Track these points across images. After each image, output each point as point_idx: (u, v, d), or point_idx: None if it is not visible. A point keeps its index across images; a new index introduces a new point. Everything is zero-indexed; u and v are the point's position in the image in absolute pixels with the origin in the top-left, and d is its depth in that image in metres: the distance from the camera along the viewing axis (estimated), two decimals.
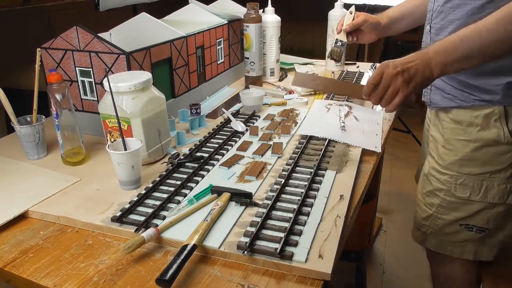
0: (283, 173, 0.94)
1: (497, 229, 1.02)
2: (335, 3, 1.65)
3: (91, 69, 1.08)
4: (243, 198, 0.83)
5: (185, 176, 0.92)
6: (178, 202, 0.84)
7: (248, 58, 1.53)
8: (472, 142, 0.96)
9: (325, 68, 1.79)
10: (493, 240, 1.04)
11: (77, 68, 1.10)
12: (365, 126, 1.18)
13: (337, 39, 1.24)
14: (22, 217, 0.83)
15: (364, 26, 1.23)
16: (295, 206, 0.80)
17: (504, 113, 0.92)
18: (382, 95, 0.87)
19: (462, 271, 1.12)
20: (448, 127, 1.01)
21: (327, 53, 1.74)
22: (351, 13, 1.25)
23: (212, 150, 1.04)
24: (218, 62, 1.51)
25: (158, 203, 0.83)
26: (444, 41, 0.84)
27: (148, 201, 0.84)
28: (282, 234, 0.72)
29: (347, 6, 1.68)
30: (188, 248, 0.68)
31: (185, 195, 0.87)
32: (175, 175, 0.94)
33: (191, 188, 0.89)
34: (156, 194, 0.87)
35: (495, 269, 1.17)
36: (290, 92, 1.49)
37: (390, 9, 1.28)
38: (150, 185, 0.88)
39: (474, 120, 0.95)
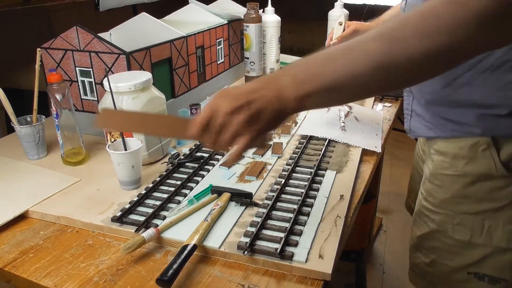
0: (283, 173, 0.94)
1: None
2: (335, 3, 1.65)
3: (91, 69, 1.08)
4: (243, 198, 0.83)
5: (185, 176, 0.92)
6: (178, 202, 0.84)
7: (248, 58, 1.53)
8: (461, 177, 0.81)
9: None
10: None
11: (77, 68, 1.10)
12: (365, 126, 1.18)
13: None
14: (22, 217, 0.83)
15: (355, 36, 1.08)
16: (295, 206, 0.80)
17: (493, 142, 0.76)
18: (215, 140, 0.61)
19: None
20: (434, 159, 0.86)
21: None
22: (340, 24, 1.18)
23: (212, 150, 1.04)
24: (218, 62, 1.51)
25: (158, 203, 0.83)
26: (309, 59, 0.59)
27: (148, 201, 0.84)
28: (282, 234, 0.72)
29: (347, 6, 1.68)
30: (188, 248, 0.68)
31: (185, 195, 0.87)
32: (175, 175, 0.94)
33: (191, 188, 0.89)
34: (156, 194, 0.86)
35: None
36: None
37: (386, 13, 1.19)
38: (150, 185, 0.88)
39: (460, 152, 0.80)
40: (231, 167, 0.97)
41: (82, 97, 1.14)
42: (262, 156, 1.02)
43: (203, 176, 0.94)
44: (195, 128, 0.61)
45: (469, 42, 0.50)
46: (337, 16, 1.65)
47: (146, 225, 0.76)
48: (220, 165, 0.98)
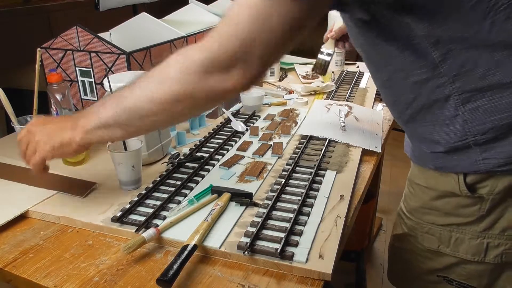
0: (283, 173, 0.94)
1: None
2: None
3: (91, 69, 1.08)
4: (244, 198, 0.83)
5: (185, 176, 0.92)
6: (179, 202, 0.84)
7: None
8: (430, 189, 0.81)
9: None
10: None
11: (77, 68, 1.10)
12: (365, 126, 1.18)
13: (322, 48, 1.10)
14: (22, 217, 0.83)
15: None
16: (296, 206, 0.80)
17: None
18: (24, 152, 0.77)
19: None
20: (412, 166, 0.88)
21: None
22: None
23: (212, 150, 1.04)
24: None
25: (158, 203, 0.83)
26: (94, 105, 0.73)
27: (148, 201, 0.84)
28: (282, 234, 0.72)
29: None
30: (189, 248, 0.68)
31: (185, 195, 0.87)
32: (175, 175, 0.94)
33: (191, 188, 0.89)
34: (156, 194, 0.86)
35: None
36: (290, 92, 1.49)
37: None
38: (151, 185, 0.88)
39: (432, 172, 0.80)
40: (231, 167, 0.97)
41: (82, 97, 1.14)
42: (262, 156, 1.02)
43: (203, 176, 0.94)
44: (18, 143, 0.79)
45: (199, 87, 0.62)
46: (337, 16, 1.65)
47: (146, 225, 0.76)
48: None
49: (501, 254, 0.78)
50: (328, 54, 1.10)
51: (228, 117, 1.23)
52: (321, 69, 1.12)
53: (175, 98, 0.64)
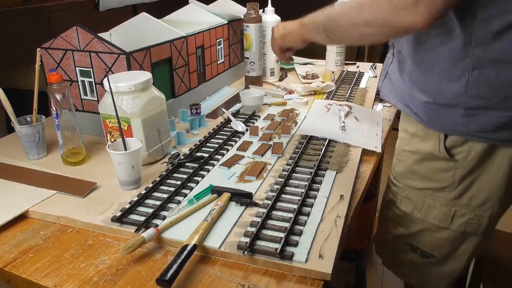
0: (283, 173, 0.94)
1: (445, 259, 0.94)
2: (335, 3, 1.65)
3: (91, 69, 1.08)
4: (243, 198, 0.83)
5: (185, 176, 0.92)
6: (178, 202, 0.84)
7: (248, 58, 1.53)
8: (414, 153, 0.91)
9: (325, 68, 1.79)
10: (441, 271, 0.95)
11: (77, 68, 1.10)
12: (365, 126, 1.18)
13: None
14: (22, 217, 0.83)
15: None
16: (295, 206, 0.80)
17: None
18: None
19: None
20: (400, 136, 0.97)
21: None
22: None
23: (212, 150, 1.04)
24: (218, 62, 1.51)
25: (158, 203, 0.83)
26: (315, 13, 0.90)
27: (148, 201, 0.84)
28: (282, 234, 0.72)
29: None
30: (189, 248, 0.68)
31: (185, 195, 0.87)
32: (175, 175, 0.94)
33: (191, 188, 0.89)
34: (156, 194, 0.86)
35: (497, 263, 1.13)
36: (290, 92, 1.49)
37: None
38: (150, 185, 0.88)
39: (417, 131, 0.89)
40: (231, 167, 0.97)
41: (82, 97, 1.14)
42: (262, 156, 1.02)
43: (203, 176, 0.94)
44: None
45: (387, 19, 0.71)
46: None
47: (146, 225, 0.76)
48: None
49: (464, 223, 0.88)
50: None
51: (228, 117, 1.23)
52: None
53: (367, 23, 0.74)
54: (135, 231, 0.75)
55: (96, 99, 1.12)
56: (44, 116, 1.05)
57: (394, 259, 1.03)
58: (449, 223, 0.89)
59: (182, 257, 0.66)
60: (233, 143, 1.10)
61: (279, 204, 0.82)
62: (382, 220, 1.05)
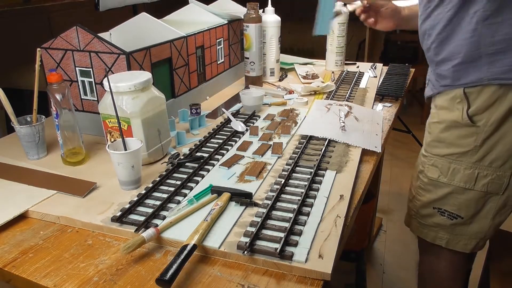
0: (283, 173, 0.94)
1: (471, 218, 1.04)
2: (335, 3, 1.65)
3: (91, 69, 1.08)
4: (243, 198, 0.83)
5: (185, 176, 0.92)
6: (178, 202, 0.84)
7: (248, 58, 1.53)
8: (440, 123, 1.03)
9: (325, 68, 1.79)
10: (469, 231, 1.05)
11: (77, 68, 1.10)
12: (365, 126, 1.18)
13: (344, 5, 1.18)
14: (22, 217, 0.83)
15: (384, 9, 1.29)
16: (295, 206, 0.80)
17: (465, 97, 0.96)
18: None
19: (447, 264, 1.14)
20: (431, 112, 1.08)
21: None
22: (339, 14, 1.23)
23: (212, 150, 1.04)
24: (218, 62, 1.51)
25: (158, 203, 0.83)
26: None
27: (148, 201, 0.84)
28: (282, 234, 0.72)
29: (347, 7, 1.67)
30: (188, 248, 0.68)
31: (185, 195, 0.87)
32: (175, 175, 0.94)
33: (191, 188, 0.89)
34: (156, 194, 0.86)
35: (504, 265, 1.19)
36: (290, 92, 1.49)
37: (414, 2, 1.31)
38: (150, 185, 0.88)
39: (444, 104, 1.01)
40: (231, 167, 0.97)
41: (82, 97, 1.14)
42: (262, 156, 1.02)
43: (203, 176, 0.94)
44: None
45: None
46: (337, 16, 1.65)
47: (146, 225, 0.76)
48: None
49: (487, 183, 0.99)
50: (339, 13, 1.17)
51: (228, 117, 1.23)
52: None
53: None
54: (135, 231, 0.75)
55: (96, 99, 1.12)
56: (44, 116, 1.05)
57: (423, 224, 1.12)
58: (473, 184, 1.00)
59: (182, 257, 0.66)
60: (233, 143, 1.10)
61: (279, 204, 0.82)
62: (411, 192, 1.15)
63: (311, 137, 1.10)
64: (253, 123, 1.24)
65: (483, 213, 1.02)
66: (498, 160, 0.96)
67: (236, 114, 1.28)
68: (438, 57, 1.00)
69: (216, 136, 1.14)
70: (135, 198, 0.84)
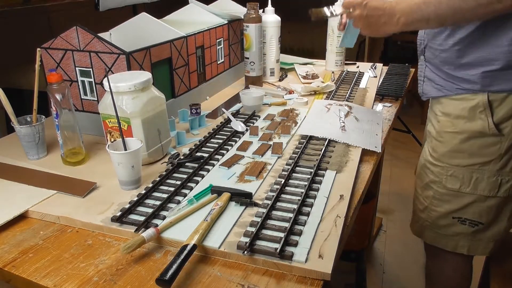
0: (283, 173, 0.94)
1: (491, 223, 1.03)
2: (335, 3, 1.65)
3: (91, 69, 1.08)
4: (243, 198, 0.83)
5: (185, 176, 0.92)
6: (178, 202, 0.84)
7: (248, 58, 1.53)
8: (459, 134, 0.99)
9: (325, 68, 1.79)
10: (487, 235, 1.05)
11: (77, 68, 1.10)
12: (365, 126, 1.18)
13: (333, 6, 1.17)
14: (22, 217, 0.83)
15: None
16: (295, 206, 0.80)
17: (489, 105, 0.94)
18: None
19: (456, 267, 1.15)
20: (440, 120, 1.04)
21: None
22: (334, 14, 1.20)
23: (212, 150, 1.04)
24: (218, 62, 1.51)
25: (158, 203, 0.83)
26: (410, 1, 0.90)
27: (148, 201, 0.84)
28: (282, 234, 0.72)
29: None
30: (188, 248, 0.68)
31: (185, 195, 0.87)
32: (175, 175, 0.94)
33: (191, 188, 0.89)
34: (156, 194, 0.86)
35: (505, 267, 1.19)
36: (290, 92, 1.49)
37: None
38: (150, 185, 0.88)
39: (461, 113, 0.98)
40: (231, 167, 0.97)
41: (82, 97, 1.14)
42: (262, 156, 1.02)
43: (203, 176, 0.94)
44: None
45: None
46: (337, 16, 1.65)
47: (146, 225, 0.76)
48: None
49: (509, 188, 0.99)
50: (332, 13, 1.14)
51: (228, 117, 1.23)
52: (316, 17, 1.16)
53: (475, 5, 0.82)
54: (135, 231, 0.75)
55: (96, 99, 1.12)
56: (44, 116, 1.05)
57: (441, 235, 1.10)
58: (496, 192, 0.99)
59: (182, 257, 0.66)
60: (233, 143, 1.10)
61: (279, 204, 0.82)
62: (421, 202, 1.12)
63: (311, 137, 1.10)
64: (253, 123, 1.24)
65: (502, 216, 1.02)
66: None
67: (236, 114, 1.28)
68: (461, 60, 0.95)
69: (216, 136, 1.14)
70: (135, 198, 0.84)
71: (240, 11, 1.67)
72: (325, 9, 1.15)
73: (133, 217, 0.79)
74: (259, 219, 0.76)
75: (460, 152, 1.00)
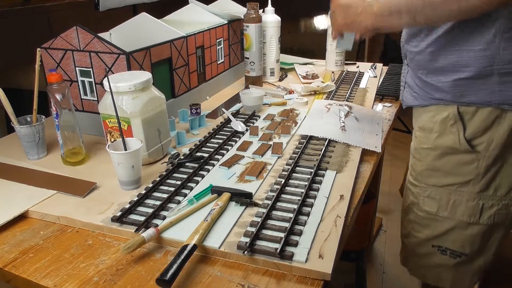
0: (283, 173, 0.94)
1: (476, 254, 0.92)
2: None
3: (91, 69, 1.08)
4: (243, 198, 0.83)
5: (185, 176, 0.92)
6: (178, 202, 0.84)
7: (248, 58, 1.53)
8: (433, 150, 0.90)
9: (325, 68, 1.79)
10: (473, 267, 0.94)
11: (77, 68, 1.10)
12: (365, 126, 1.18)
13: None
14: (22, 217, 0.83)
15: None
16: (295, 206, 0.80)
17: (460, 118, 0.85)
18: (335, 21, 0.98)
19: None
20: (417, 135, 0.96)
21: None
22: None
23: (212, 150, 1.04)
24: (218, 62, 1.51)
25: (158, 203, 0.83)
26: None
27: (148, 201, 0.84)
28: (282, 234, 0.72)
29: None
30: (188, 248, 0.68)
31: (185, 195, 0.87)
32: (175, 175, 0.94)
33: (191, 188, 0.89)
34: (156, 194, 0.86)
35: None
36: (290, 92, 1.49)
37: None
38: (150, 185, 0.88)
39: (434, 126, 0.89)
40: (231, 167, 0.97)
41: (82, 97, 1.14)
42: (262, 156, 1.02)
43: (203, 176, 0.94)
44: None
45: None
46: None
47: (146, 225, 0.76)
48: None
49: (493, 215, 0.87)
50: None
51: (228, 117, 1.23)
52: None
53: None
54: (135, 231, 0.75)
55: (96, 99, 1.12)
56: (44, 116, 1.05)
57: (421, 265, 0.99)
58: (478, 218, 0.88)
59: (182, 257, 0.66)
60: (233, 143, 1.10)
61: (279, 204, 0.82)
62: (404, 226, 1.01)
63: (311, 137, 1.10)
64: (253, 123, 1.24)
65: (488, 246, 0.91)
66: (503, 187, 0.85)
67: (236, 114, 1.28)
68: (434, 64, 0.86)
69: (216, 136, 1.14)
70: (135, 198, 0.84)
71: (240, 11, 1.67)
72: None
73: (133, 217, 0.79)
74: (259, 219, 0.76)
75: (435, 170, 0.91)
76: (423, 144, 0.92)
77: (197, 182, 0.91)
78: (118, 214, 0.79)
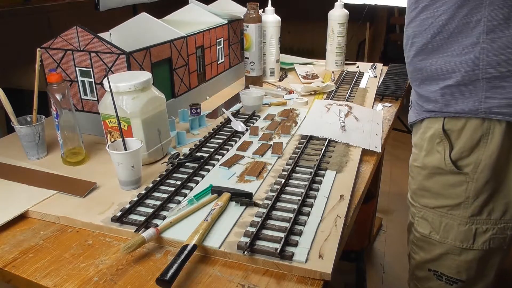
0: (283, 173, 0.94)
1: (473, 281, 0.87)
2: (335, 3, 1.65)
3: (91, 69, 1.08)
4: (243, 198, 0.83)
5: (185, 176, 0.92)
6: (178, 202, 0.84)
7: (248, 58, 1.53)
8: (422, 169, 0.87)
9: (325, 68, 1.79)
10: None
11: (77, 68, 1.10)
12: (365, 126, 1.18)
13: None
14: (22, 217, 0.83)
15: None
16: (295, 206, 0.80)
17: (446, 135, 0.81)
18: None
19: None
20: (412, 152, 0.93)
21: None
22: None
23: (212, 150, 1.04)
24: (218, 62, 1.51)
25: (158, 203, 0.83)
26: None
27: (148, 201, 0.84)
28: (282, 234, 0.72)
29: (347, 6, 1.68)
30: (188, 248, 0.68)
31: (185, 195, 0.87)
32: (175, 175, 0.94)
33: (191, 188, 0.89)
34: (156, 194, 0.86)
35: None
36: (290, 92, 1.49)
37: None
38: (150, 185, 0.88)
39: (423, 144, 0.86)
40: (231, 167, 0.97)
41: (82, 97, 1.14)
42: (262, 156, 1.02)
43: (203, 176, 0.94)
44: None
45: None
46: (337, 16, 1.65)
47: (146, 225, 0.76)
48: (220, 164, 0.98)
49: (489, 240, 0.81)
50: None
51: (228, 117, 1.23)
52: None
53: None
54: (135, 231, 0.75)
55: (96, 99, 1.12)
56: (44, 116, 1.05)
57: None
58: (471, 243, 0.82)
59: (182, 257, 0.66)
60: (233, 143, 1.10)
61: (279, 204, 0.82)
62: (408, 245, 0.98)
63: (311, 137, 1.10)
64: (253, 123, 1.24)
65: (486, 271, 0.86)
66: (498, 211, 0.80)
67: (236, 114, 1.28)
68: (423, 74, 0.82)
69: (216, 136, 1.14)
70: (135, 198, 0.84)
71: (240, 11, 1.67)
72: None
73: (133, 217, 0.79)
74: (259, 219, 0.76)
75: (425, 191, 0.87)
76: (415, 162, 0.90)
77: (197, 182, 0.91)
78: (118, 214, 0.79)
